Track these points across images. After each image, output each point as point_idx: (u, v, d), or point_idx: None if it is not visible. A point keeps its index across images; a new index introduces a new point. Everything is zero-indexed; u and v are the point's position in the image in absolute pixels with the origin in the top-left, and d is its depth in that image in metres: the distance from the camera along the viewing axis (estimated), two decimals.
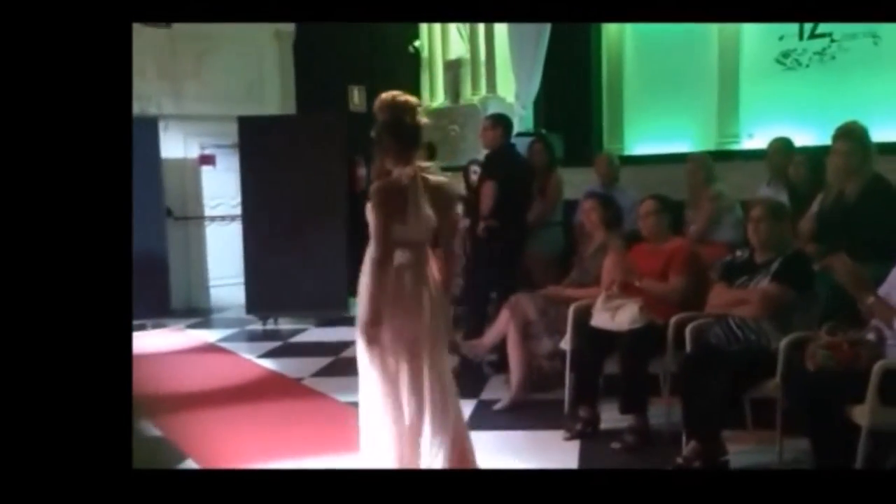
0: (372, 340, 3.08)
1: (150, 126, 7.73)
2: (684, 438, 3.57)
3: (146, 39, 7.96)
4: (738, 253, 3.96)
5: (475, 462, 3.31)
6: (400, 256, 3.09)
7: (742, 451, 3.60)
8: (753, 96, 6.67)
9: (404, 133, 3.11)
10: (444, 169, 7.12)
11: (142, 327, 7.32)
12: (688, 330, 3.74)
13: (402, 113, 3.12)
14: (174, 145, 8.25)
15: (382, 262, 3.05)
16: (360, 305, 3.09)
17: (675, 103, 7.10)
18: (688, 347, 3.73)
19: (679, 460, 3.46)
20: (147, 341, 6.93)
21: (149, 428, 4.48)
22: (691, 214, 5.03)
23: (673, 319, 3.88)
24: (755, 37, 6.64)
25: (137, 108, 7.91)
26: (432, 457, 3.11)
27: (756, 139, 6.40)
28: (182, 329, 7.46)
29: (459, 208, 6.03)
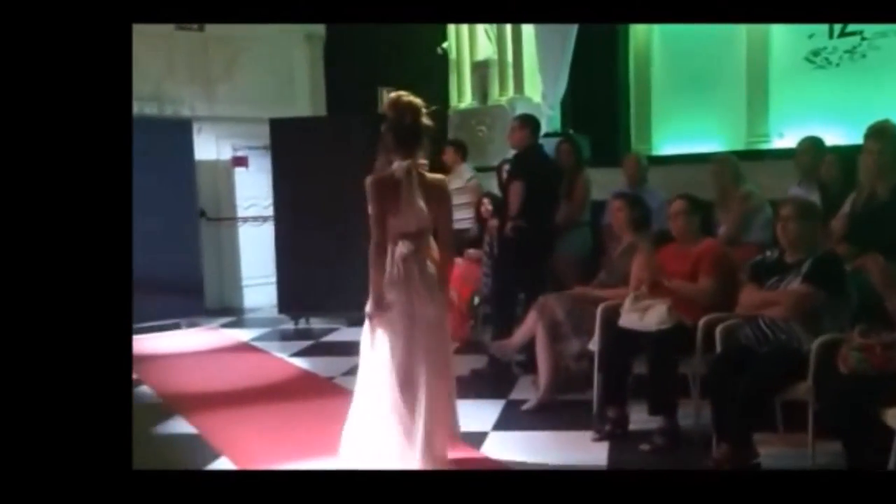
0: (377, 322, 3.37)
1: (185, 128, 7.80)
2: (714, 440, 3.52)
3: (179, 43, 8.05)
4: (769, 253, 3.88)
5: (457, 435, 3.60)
6: (400, 246, 3.34)
7: (773, 454, 3.53)
8: (783, 95, 6.55)
9: (405, 131, 3.35)
10: (478, 169, 7.12)
11: (176, 326, 7.41)
12: (718, 331, 3.69)
13: (405, 112, 3.37)
14: (207, 147, 8.32)
15: (377, 249, 3.34)
16: (370, 293, 3.37)
17: (703, 103, 6.98)
18: (717, 348, 3.67)
19: (709, 463, 3.41)
20: (181, 340, 7.01)
21: (184, 425, 4.52)
22: (721, 215, 4.95)
23: (702, 320, 3.83)
24: (784, 35, 6.52)
25: (171, 111, 8.02)
26: (418, 435, 3.31)
27: (786, 139, 6.28)
28: (216, 328, 7.52)
29: (491, 205, 6.08)
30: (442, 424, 3.45)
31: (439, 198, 3.41)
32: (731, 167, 5.15)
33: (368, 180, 3.35)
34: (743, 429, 3.44)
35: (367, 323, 3.41)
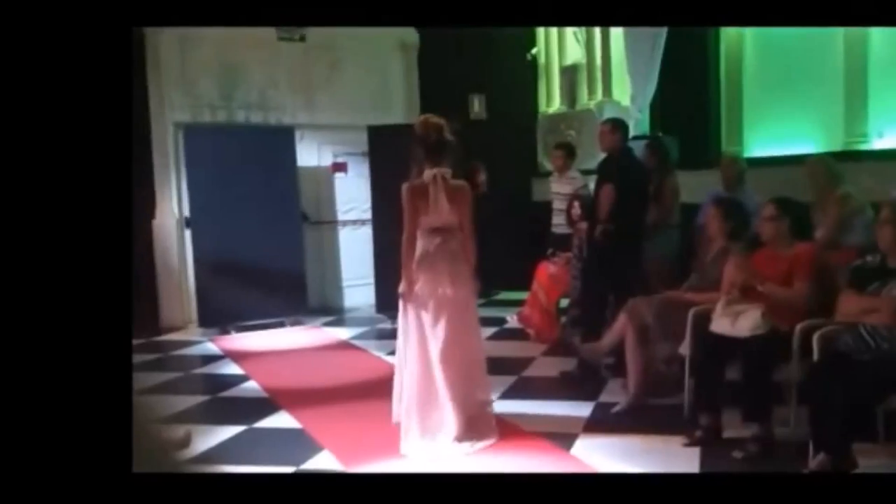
0: (407, 302, 3.95)
1: (288, 136, 7.96)
2: (811, 450, 3.33)
3: (282, 53, 8.21)
4: (869, 258, 3.66)
5: (488, 410, 4.10)
6: (429, 238, 3.91)
7: (873, 465, 3.33)
8: (883, 93, 6.13)
9: (433, 146, 3.94)
10: (584, 172, 6.97)
11: (280, 324, 7.59)
12: (815, 337, 3.50)
13: (431, 131, 3.96)
14: (309, 154, 8.45)
15: (409, 241, 3.93)
16: (402, 278, 3.95)
17: (798, 102, 6.62)
18: (815, 355, 3.48)
19: (805, 473, 3.24)
20: (286, 338, 7.18)
21: (289, 420, 4.60)
22: (818, 218, 4.70)
23: (799, 326, 3.65)
24: (884, 31, 6.13)
25: (275, 119, 8.21)
26: (453, 402, 3.87)
27: (886, 138, 5.91)
28: (318, 327, 7.64)
29: (580, 208, 5.97)
30: (469, 389, 3.96)
31: (461, 199, 3.97)
32: (826, 168, 4.89)
33: (404, 186, 3.93)
34: (842, 438, 3.25)
35: (401, 302, 3.98)
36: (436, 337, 3.90)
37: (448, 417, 3.90)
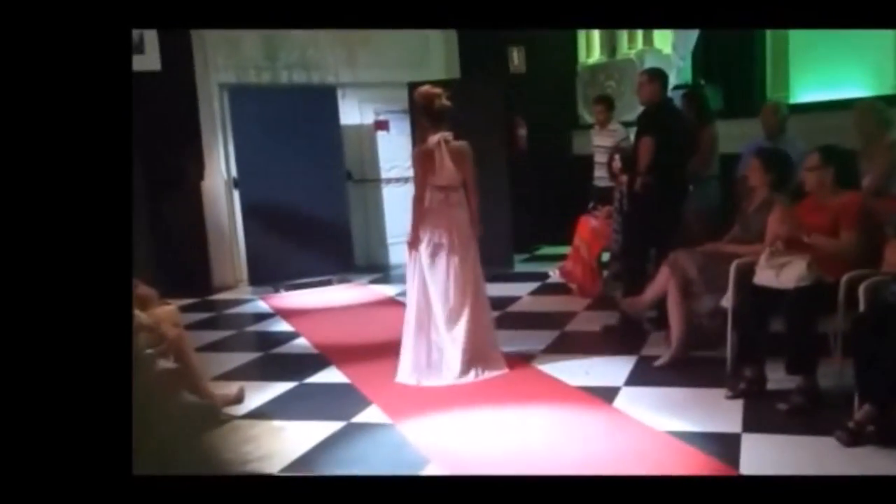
0: (413, 253, 4.42)
1: (330, 95, 7.93)
2: (857, 401, 3.27)
3: None
4: None
5: (494, 347, 4.53)
6: (435, 194, 4.35)
7: None
8: None
9: (433, 113, 4.34)
10: (626, 124, 6.82)
11: (328, 283, 7.67)
12: (861, 288, 3.40)
13: (431, 99, 4.33)
14: (351, 112, 8.41)
15: (419, 200, 4.38)
16: (410, 230, 4.43)
17: (846, 45, 6.30)
18: (861, 306, 3.39)
19: (851, 424, 3.18)
20: (334, 295, 7.27)
21: (338, 375, 4.67)
22: (866, 165, 4.52)
23: (845, 277, 3.54)
24: None
25: (318, 78, 8.16)
26: (452, 338, 4.35)
27: None
28: (365, 284, 7.70)
29: (620, 161, 5.86)
30: (475, 324, 4.37)
31: (462, 160, 4.37)
32: (875, 113, 4.68)
33: (414, 151, 4.46)
34: (888, 390, 3.17)
35: (408, 253, 4.46)
36: (439, 280, 4.35)
37: (453, 350, 4.32)
